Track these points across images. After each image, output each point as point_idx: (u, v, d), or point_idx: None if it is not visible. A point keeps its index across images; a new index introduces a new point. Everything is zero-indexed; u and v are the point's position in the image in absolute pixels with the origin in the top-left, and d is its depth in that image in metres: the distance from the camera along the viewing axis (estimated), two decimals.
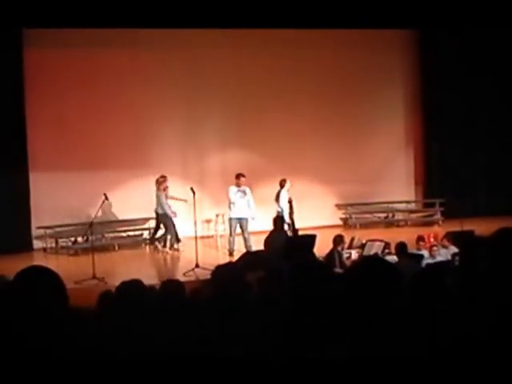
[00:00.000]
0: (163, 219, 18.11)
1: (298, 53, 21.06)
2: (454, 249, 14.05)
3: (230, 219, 17.50)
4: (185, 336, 4.17)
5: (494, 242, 3.51)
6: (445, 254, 14.02)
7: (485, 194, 22.57)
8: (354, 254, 15.63)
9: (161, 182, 18.16)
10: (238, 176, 17.46)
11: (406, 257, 12.83)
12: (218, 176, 20.61)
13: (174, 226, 18.19)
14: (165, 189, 18.21)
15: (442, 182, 21.92)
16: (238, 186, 17.39)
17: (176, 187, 19.63)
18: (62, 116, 19.16)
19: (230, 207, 17.45)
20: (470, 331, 3.26)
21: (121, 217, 19.47)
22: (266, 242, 14.99)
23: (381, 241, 15.74)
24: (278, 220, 16.61)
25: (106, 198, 15.06)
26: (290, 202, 16.55)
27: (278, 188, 18.14)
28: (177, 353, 3.89)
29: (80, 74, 19.33)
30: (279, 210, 18.00)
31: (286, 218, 17.96)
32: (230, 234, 17.40)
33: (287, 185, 18.17)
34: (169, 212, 18.06)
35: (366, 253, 15.15)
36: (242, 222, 17.35)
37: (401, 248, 13.20)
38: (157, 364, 3.77)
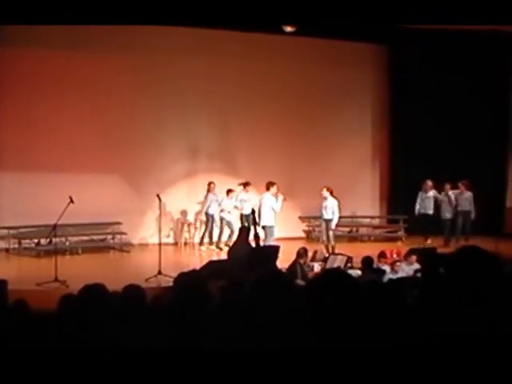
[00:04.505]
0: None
1: (264, 64, 21.18)
2: (417, 265, 14.16)
3: (272, 227, 17.64)
4: (143, 338, 4.18)
5: (455, 259, 3.55)
6: (407, 269, 14.09)
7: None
8: (317, 267, 15.65)
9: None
10: (273, 183, 17.72)
11: (370, 271, 12.92)
12: (184, 184, 20.65)
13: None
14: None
15: (407, 199, 22.03)
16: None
17: (142, 193, 19.65)
18: (30, 116, 19.05)
19: (269, 215, 17.59)
20: (428, 343, 3.31)
21: (85, 220, 19.33)
22: (230, 252, 14.99)
23: (343, 254, 15.79)
24: (243, 230, 16.61)
25: (72, 201, 14.93)
26: (253, 212, 16.53)
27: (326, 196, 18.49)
28: (134, 352, 3.90)
29: (50, 75, 19.24)
30: (327, 217, 18.45)
31: (333, 225, 18.38)
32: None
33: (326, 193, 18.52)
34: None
35: (328, 266, 15.18)
36: None
37: (367, 262, 13.30)
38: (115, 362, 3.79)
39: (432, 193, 20.66)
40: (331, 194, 18.38)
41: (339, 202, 18.45)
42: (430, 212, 20.64)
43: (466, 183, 20.70)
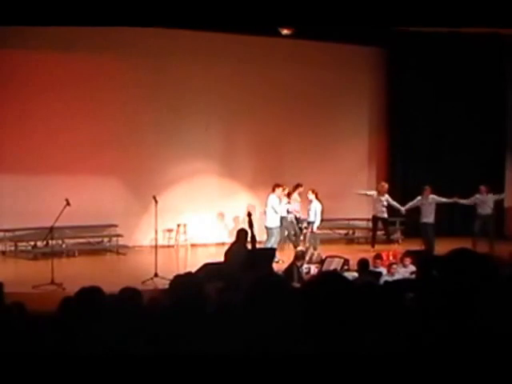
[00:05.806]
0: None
1: (261, 67, 21.17)
2: (412, 268, 14.17)
3: (273, 229, 17.73)
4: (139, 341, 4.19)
5: (447, 261, 3.57)
6: (403, 272, 14.11)
7: (446, 214, 22.59)
8: (313, 269, 15.63)
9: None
10: (280, 185, 17.99)
11: (366, 274, 12.94)
12: (181, 186, 20.62)
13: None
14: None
15: (403, 202, 22.01)
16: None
17: (138, 195, 19.62)
18: (28, 118, 19.00)
19: (271, 216, 17.81)
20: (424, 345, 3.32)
21: (82, 223, 19.30)
22: (227, 254, 14.97)
23: (340, 257, 15.77)
24: (241, 232, 16.58)
25: (68, 204, 14.91)
26: (249, 215, 16.50)
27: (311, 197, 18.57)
28: (131, 355, 3.91)
29: (47, 77, 19.18)
30: (310, 220, 18.46)
31: (314, 228, 18.34)
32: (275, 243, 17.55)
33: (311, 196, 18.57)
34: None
35: (325, 268, 15.16)
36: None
37: (363, 265, 13.33)
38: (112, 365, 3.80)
39: (385, 196, 20.21)
40: (316, 196, 18.41)
41: (323, 206, 18.45)
42: (385, 215, 20.38)
43: (487, 187, 19.94)
